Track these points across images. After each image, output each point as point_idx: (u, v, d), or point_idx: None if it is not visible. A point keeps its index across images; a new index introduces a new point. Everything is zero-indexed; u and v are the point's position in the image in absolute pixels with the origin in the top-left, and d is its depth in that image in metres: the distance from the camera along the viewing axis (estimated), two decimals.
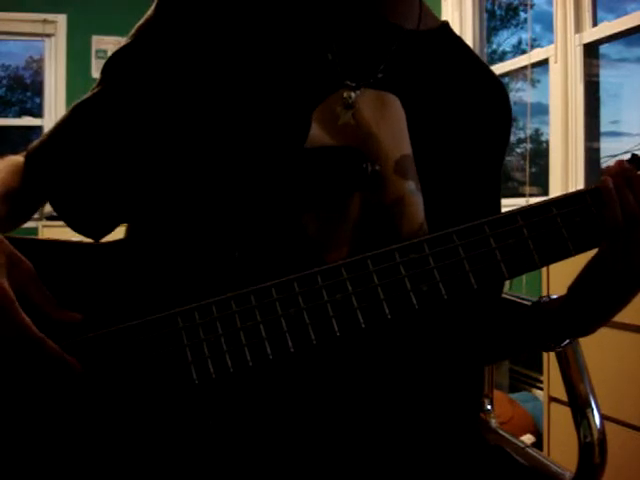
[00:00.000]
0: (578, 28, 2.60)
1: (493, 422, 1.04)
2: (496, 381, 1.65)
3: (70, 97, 4.32)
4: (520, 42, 3.37)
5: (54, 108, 4.41)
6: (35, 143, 0.78)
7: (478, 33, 3.35)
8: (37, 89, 4.65)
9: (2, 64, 4.71)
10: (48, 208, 0.80)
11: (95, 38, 4.50)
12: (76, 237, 0.75)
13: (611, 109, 2.77)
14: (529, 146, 3.01)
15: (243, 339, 0.62)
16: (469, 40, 3.27)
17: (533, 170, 2.99)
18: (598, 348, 1.46)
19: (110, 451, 0.63)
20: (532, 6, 3.09)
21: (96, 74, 0.78)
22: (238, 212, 0.69)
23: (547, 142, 2.86)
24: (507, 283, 0.90)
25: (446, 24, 0.86)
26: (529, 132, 3.03)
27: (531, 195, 2.81)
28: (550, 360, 1.96)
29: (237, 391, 0.65)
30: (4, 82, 4.76)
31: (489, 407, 1.06)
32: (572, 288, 0.72)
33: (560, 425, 1.92)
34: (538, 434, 2.23)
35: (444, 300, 0.62)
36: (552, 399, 1.99)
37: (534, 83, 3.02)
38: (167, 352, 0.62)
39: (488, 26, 3.42)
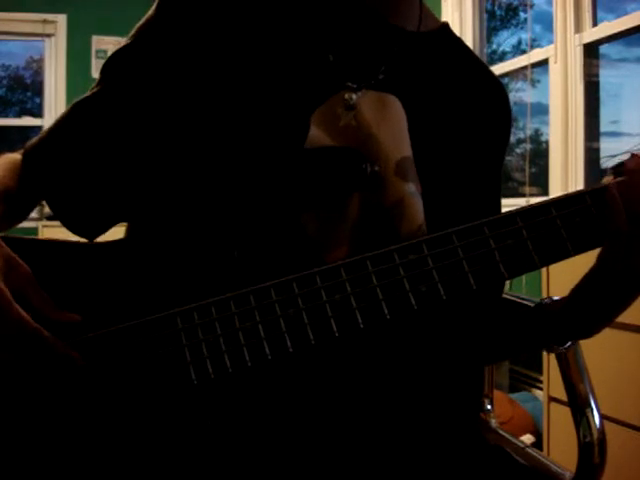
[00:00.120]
0: (578, 28, 2.60)
1: (493, 422, 1.04)
2: (496, 381, 1.65)
3: (70, 97, 4.31)
4: (520, 42, 3.37)
5: (54, 108, 4.41)
6: (33, 141, 0.78)
7: (478, 33, 3.35)
8: (37, 89, 4.65)
9: (2, 64, 4.71)
10: (48, 208, 0.80)
11: (95, 38, 4.50)
12: (75, 237, 0.75)
13: (611, 109, 2.77)
14: (529, 146, 3.01)
15: (242, 339, 0.62)
16: (469, 40, 3.27)
17: (533, 170, 2.99)
18: (598, 348, 1.45)
19: (109, 451, 0.63)
20: (532, 6, 3.09)
21: (96, 74, 0.78)
22: (237, 211, 0.69)
23: (547, 142, 2.86)
24: (507, 283, 0.90)
25: (446, 25, 0.86)
26: (529, 132, 3.02)
27: (531, 195, 2.81)
28: (550, 360, 1.96)
29: (236, 391, 0.65)
30: (4, 82, 4.76)
31: (489, 407, 1.05)
32: (575, 290, 0.71)
33: (560, 425, 1.92)
34: (538, 434, 2.23)
35: (443, 301, 0.62)
36: (552, 399, 1.99)
37: (534, 83, 3.02)
38: (166, 352, 0.62)
39: (488, 26, 3.42)
